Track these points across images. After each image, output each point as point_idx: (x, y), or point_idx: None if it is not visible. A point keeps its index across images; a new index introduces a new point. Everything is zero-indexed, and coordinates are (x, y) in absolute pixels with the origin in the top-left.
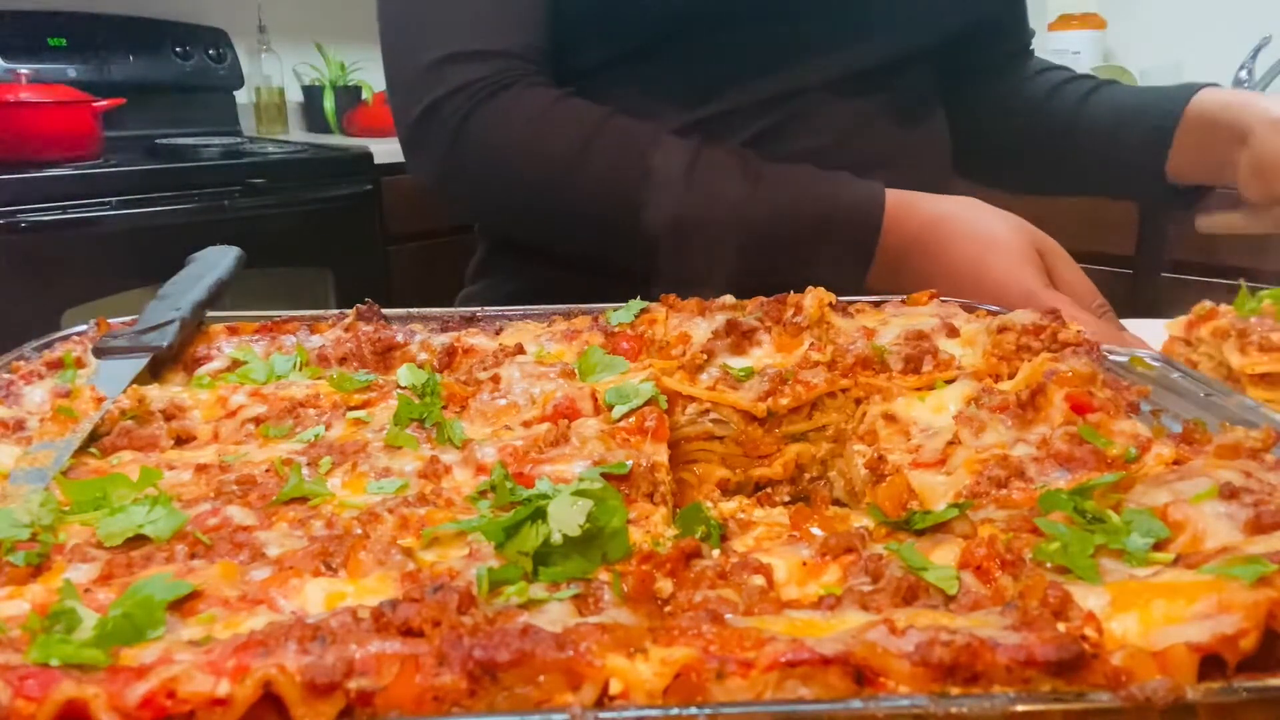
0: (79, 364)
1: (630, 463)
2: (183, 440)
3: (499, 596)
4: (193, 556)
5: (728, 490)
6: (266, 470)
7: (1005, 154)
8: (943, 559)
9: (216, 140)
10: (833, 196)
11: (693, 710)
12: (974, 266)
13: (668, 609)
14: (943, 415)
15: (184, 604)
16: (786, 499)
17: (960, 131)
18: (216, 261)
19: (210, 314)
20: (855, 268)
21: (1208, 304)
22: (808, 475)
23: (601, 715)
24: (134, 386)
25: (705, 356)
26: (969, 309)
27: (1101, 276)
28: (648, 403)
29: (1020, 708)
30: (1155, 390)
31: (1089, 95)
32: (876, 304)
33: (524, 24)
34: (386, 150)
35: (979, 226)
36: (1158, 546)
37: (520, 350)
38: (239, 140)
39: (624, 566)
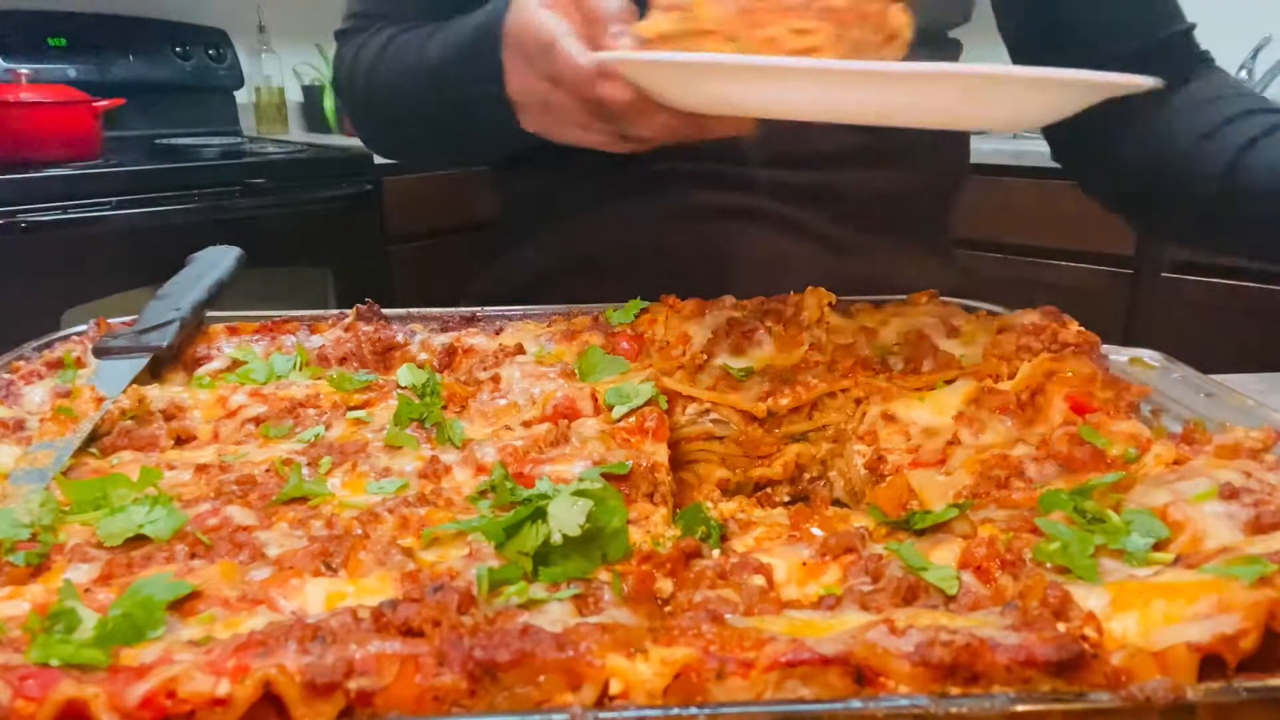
0: (79, 364)
1: (630, 463)
2: (183, 440)
3: (499, 596)
4: (193, 556)
5: (728, 490)
6: (266, 470)
7: (1149, 202)
8: (943, 559)
9: (216, 140)
10: (481, 16)
11: (693, 710)
12: (514, 22)
13: (668, 609)
14: (943, 415)
15: (184, 604)
16: (786, 499)
17: (1094, 167)
18: (216, 261)
19: (210, 314)
20: (499, 83)
21: None
22: (808, 475)
23: (601, 715)
24: (134, 386)
25: (705, 356)
26: (969, 309)
27: (1101, 276)
28: (648, 403)
29: (1020, 708)
30: (1155, 390)
31: (1253, 144)
32: (877, 304)
33: None
34: None
35: None
36: (1158, 546)
37: (520, 350)
38: (239, 140)
39: (624, 566)
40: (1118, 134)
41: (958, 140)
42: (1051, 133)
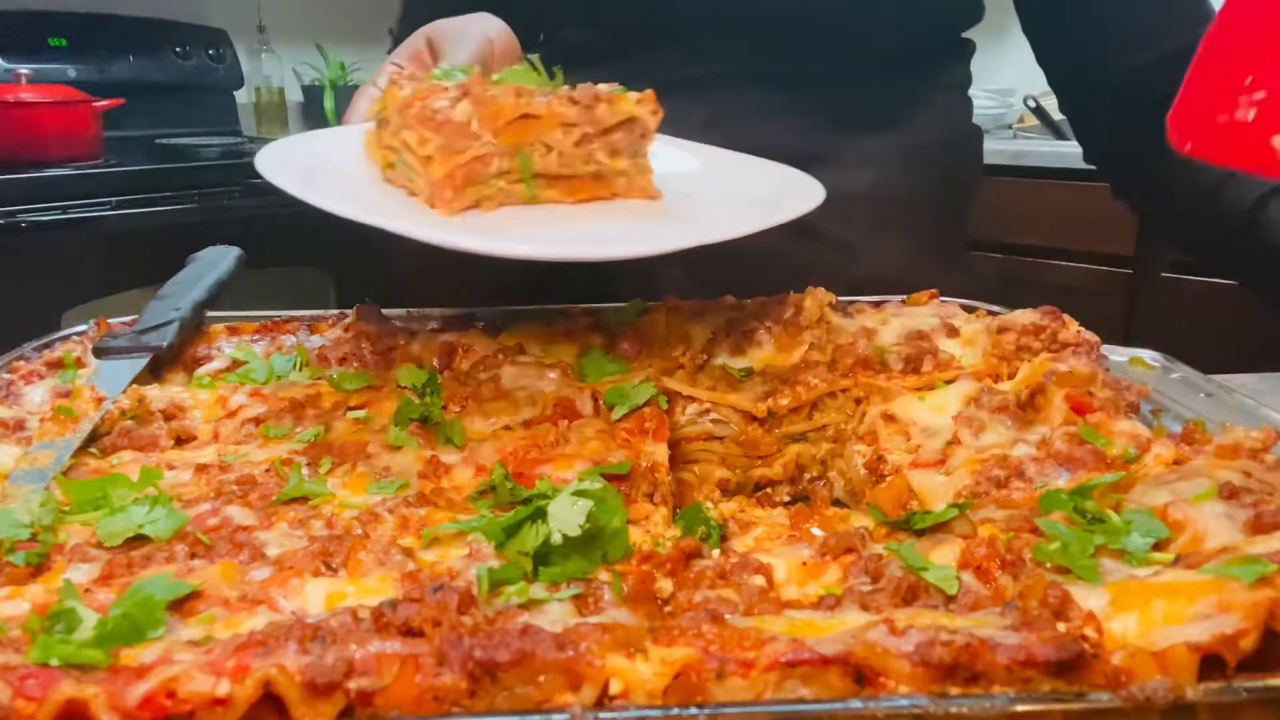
0: (79, 364)
1: (630, 463)
2: (183, 440)
3: (499, 596)
4: (193, 556)
5: (728, 490)
6: (266, 470)
7: (1180, 226)
8: (943, 559)
9: (216, 140)
10: None
11: (693, 710)
12: None
13: (668, 609)
14: (943, 415)
15: (184, 604)
16: (786, 499)
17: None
18: (216, 261)
19: (210, 314)
20: None
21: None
22: (808, 475)
23: (601, 715)
24: (134, 386)
25: (705, 356)
26: (969, 309)
27: (1101, 277)
28: (648, 403)
29: (1020, 708)
30: (1155, 390)
31: (1265, 201)
32: (877, 304)
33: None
34: None
35: None
36: (1158, 546)
37: (520, 350)
38: (239, 140)
39: (624, 566)
40: (1153, 154)
41: (970, 146)
42: (1085, 138)
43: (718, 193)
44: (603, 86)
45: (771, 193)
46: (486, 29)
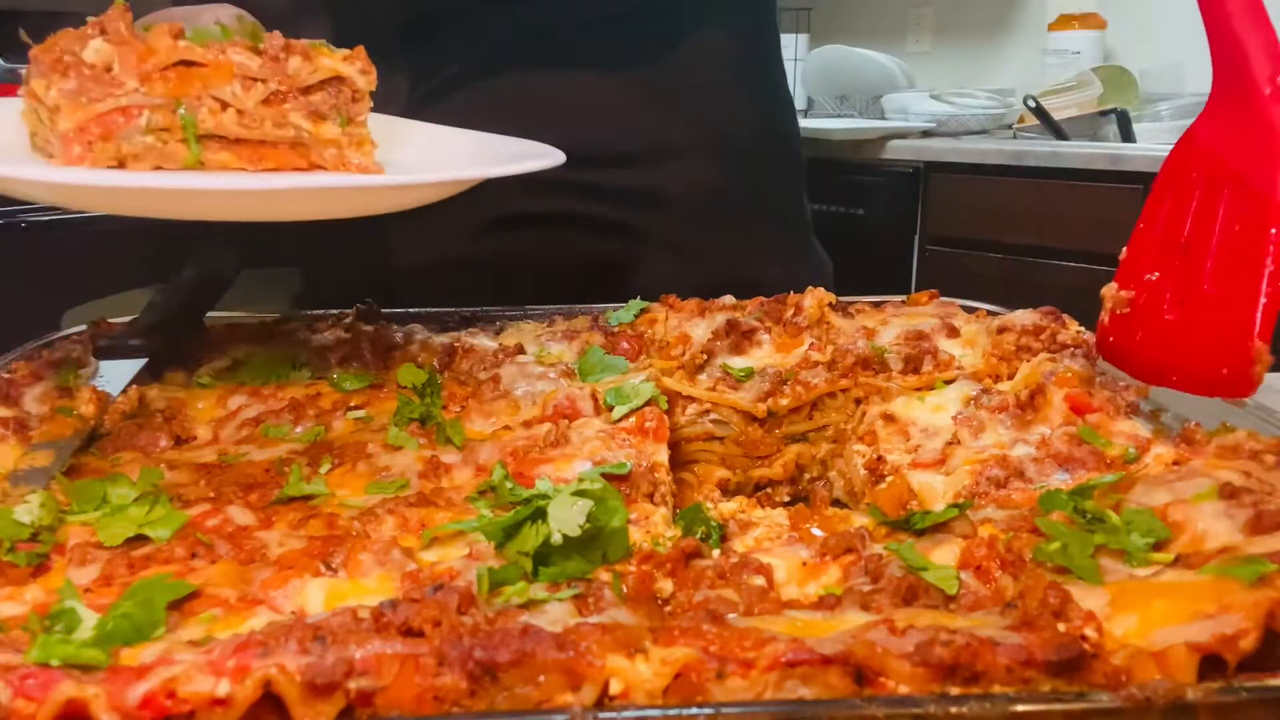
0: (79, 364)
1: (630, 463)
2: (183, 440)
3: (499, 596)
4: (193, 556)
5: (728, 490)
6: (266, 470)
7: None
8: (943, 559)
9: None
10: None
11: (693, 710)
12: None
13: (668, 609)
14: (942, 415)
15: (184, 604)
16: (786, 499)
17: None
18: (216, 261)
19: (210, 314)
20: None
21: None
22: (808, 475)
23: (601, 715)
24: (134, 386)
25: (705, 356)
26: (969, 309)
27: (1101, 277)
28: (648, 403)
29: (1020, 708)
30: (1155, 390)
31: None
32: (876, 304)
33: None
34: None
35: None
36: (1158, 546)
37: (520, 350)
38: None
39: (624, 566)
40: None
41: (784, 131)
42: None
43: (443, 159)
44: (303, 40)
45: (510, 154)
46: (219, 15)
